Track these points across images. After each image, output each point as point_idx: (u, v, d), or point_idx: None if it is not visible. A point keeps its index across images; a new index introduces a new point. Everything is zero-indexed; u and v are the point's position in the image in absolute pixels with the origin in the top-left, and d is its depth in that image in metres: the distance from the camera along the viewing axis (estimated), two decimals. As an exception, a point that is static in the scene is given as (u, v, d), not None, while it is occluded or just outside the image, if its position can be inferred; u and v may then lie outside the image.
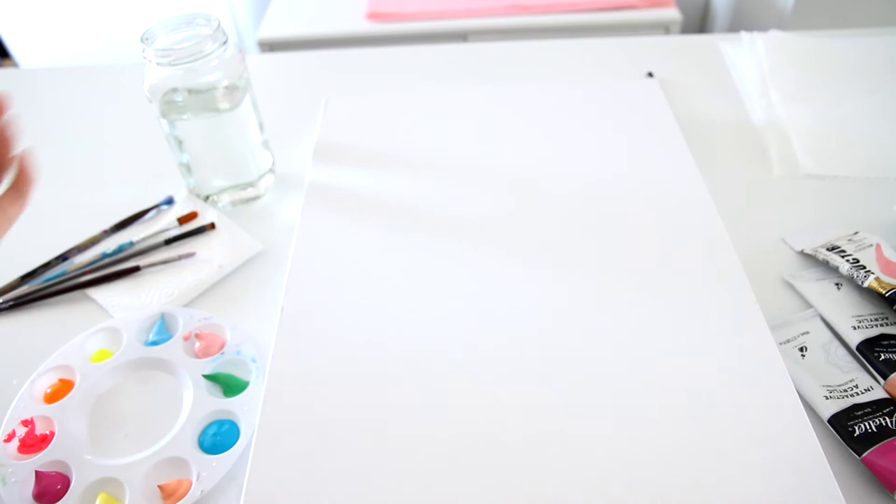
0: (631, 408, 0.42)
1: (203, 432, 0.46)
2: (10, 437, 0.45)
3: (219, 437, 0.45)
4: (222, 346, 0.50)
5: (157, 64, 0.54)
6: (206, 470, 0.43)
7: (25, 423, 0.46)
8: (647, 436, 0.41)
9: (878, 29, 0.82)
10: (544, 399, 0.43)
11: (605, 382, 0.44)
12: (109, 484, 0.43)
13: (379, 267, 0.52)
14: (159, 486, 0.42)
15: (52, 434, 0.46)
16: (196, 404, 0.47)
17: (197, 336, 0.51)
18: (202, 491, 0.42)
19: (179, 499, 0.41)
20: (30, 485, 0.43)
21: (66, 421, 0.46)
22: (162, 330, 0.52)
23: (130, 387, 0.49)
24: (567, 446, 0.41)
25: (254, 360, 0.49)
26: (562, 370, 0.44)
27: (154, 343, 0.51)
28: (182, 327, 0.52)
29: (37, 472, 0.43)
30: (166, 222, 0.61)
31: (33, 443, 0.45)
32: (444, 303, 0.49)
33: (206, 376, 0.48)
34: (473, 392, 0.44)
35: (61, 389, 0.48)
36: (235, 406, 0.47)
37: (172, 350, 0.50)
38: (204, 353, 0.50)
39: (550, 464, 0.40)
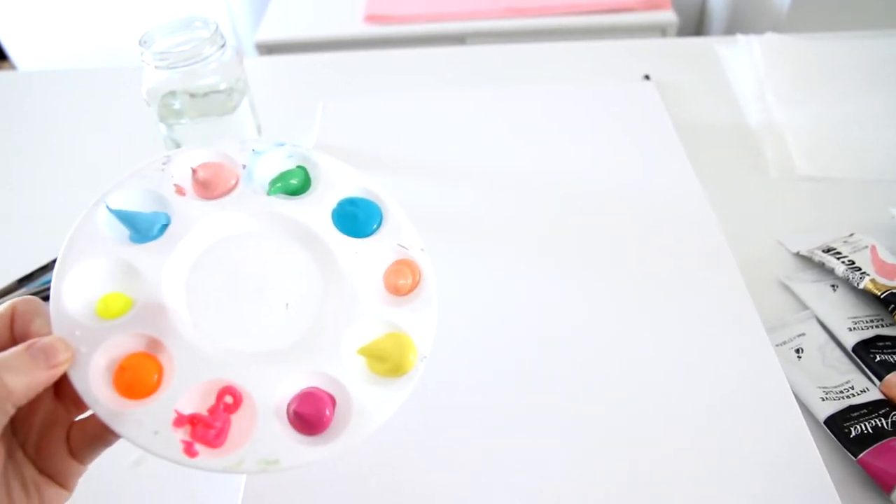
0: (628, 409, 0.42)
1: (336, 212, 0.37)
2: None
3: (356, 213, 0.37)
4: (237, 178, 0.37)
5: (156, 67, 0.55)
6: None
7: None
8: (644, 437, 0.41)
9: (874, 31, 0.82)
10: (544, 398, 0.43)
11: (602, 384, 0.44)
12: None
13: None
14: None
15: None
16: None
17: (196, 181, 0.37)
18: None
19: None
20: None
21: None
22: (133, 222, 0.35)
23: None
24: (566, 447, 0.41)
25: (280, 144, 0.39)
26: (560, 372, 0.45)
27: (145, 237, 0.35)
28: (157, 199, 0.36)
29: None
30: (164, 225, 0.61)
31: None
32: (443, 305, 0.49)
33: (273, 185, 0.37)
34: (476, 395, 0.44)
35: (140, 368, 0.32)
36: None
37: (179, 226, 0.35)
38: (214, 191, 0.37)
39: (551, 463, 0.40)
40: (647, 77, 0.75)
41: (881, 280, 0.50)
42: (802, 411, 0.43)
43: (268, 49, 1.15)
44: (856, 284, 0.50)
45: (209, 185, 0.36)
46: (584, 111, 0.67)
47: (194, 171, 0.37)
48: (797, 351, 0.49)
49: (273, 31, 1.16)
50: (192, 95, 0.56)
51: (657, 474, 0.39)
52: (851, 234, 0.55)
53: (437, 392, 0.44)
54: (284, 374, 0.33)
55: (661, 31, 1.13)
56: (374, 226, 0.37)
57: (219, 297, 0.34)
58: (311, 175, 0.38)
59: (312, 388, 0.33)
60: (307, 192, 0.38)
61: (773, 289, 0.53)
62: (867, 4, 1.07)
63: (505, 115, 0.67)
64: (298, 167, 0.38)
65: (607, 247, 0.53)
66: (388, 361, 0.34)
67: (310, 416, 0.32)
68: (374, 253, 0.36)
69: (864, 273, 0.50)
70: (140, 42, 0.55)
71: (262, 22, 1.19)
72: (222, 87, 0.57)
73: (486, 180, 0.59)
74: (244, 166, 0.37)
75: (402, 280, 0.36)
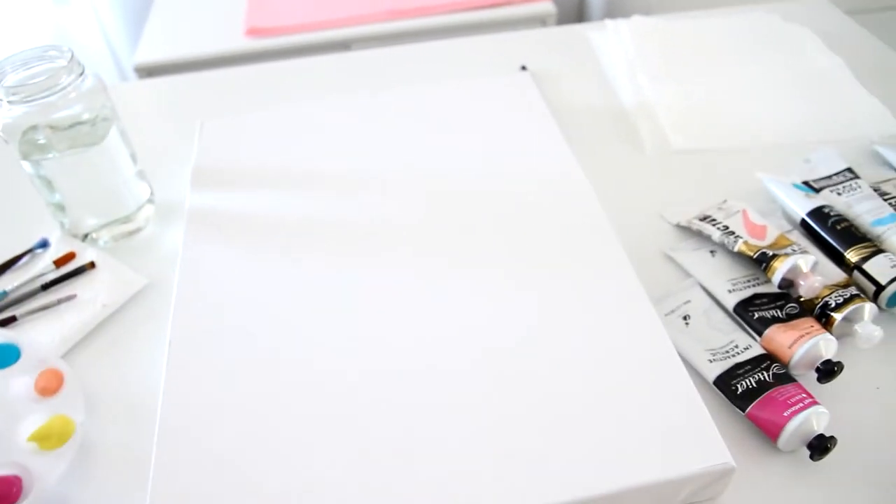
0: (518, 396, 0.43)
1: None
2: None
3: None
4: None
5: (9, 102, 0.52)
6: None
7: None
8: (536, 418, 0.42)
9: (736, 7, 0.87)
10: (439, 396, 0.43)
11: (489, 370, 0.44)
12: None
13: (266, 287, 0.51)
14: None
15: None
16: None
17: None
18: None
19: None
20: None
21: None
22: None
23: None
24: (458, 427, 0.41)
25: None
26: (453, 362, 0.45)
27: None
28: None
29: None
30: (42, 266, 0.58)
31: None
32: (334, 315, 0.49)
33: None
34: (372, 406, 0.43)
35: None
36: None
37: None
38: None
39: (448, 460, 0.40)
40: (523, 68, 0.77)
41: (753, 241, 0.52)
42: (693, 376, 0.45)
43: (148, 71, 1.11)
44: (731, 248, 0.53)
45: None
46: (463, 106, 0.67)
47: None
48: (685, 318, 0.51)
49: (151, 53, 1.12)
50: (55, 128, 0.54)
51: (550, 450, 0.40)
52: (725, 201, 0.58)
53: (338, 410, 0.43)
54: None
55: (541, 22, 1.15)
56: (15, 358, 0.50)
57: None
58: None
59: (2, 475, 0.43)
60: None
61: (657, 261, 0.56)
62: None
63: (386, 118, 0.67)
64: None
65: (491, 236, 0.53)
66: (52, 438, 0.46)
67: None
68: (20, 375, 0.49)
69: (737, 237, 0.53)
70: (-12, 77, 0.52)
71: (139, 44, 1.15)
72: (85, 116, 0.54)
73: (372, 185, 0.59)
74: None
75: (48, 384, 0.48)
